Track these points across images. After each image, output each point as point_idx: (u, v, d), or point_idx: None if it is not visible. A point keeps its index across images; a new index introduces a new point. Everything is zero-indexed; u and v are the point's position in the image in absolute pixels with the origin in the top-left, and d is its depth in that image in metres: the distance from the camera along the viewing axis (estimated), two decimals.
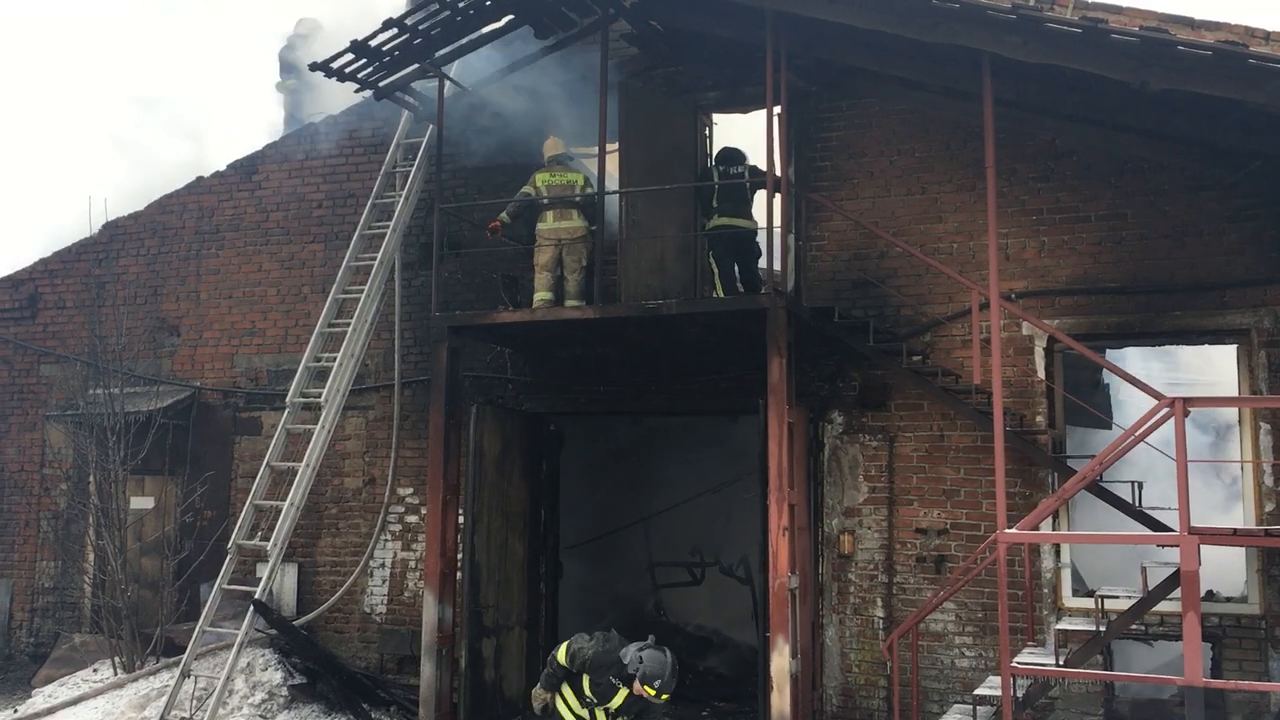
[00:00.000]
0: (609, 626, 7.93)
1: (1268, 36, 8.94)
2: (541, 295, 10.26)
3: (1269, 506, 8.97)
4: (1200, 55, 7.50)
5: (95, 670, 11.43)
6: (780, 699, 8.58)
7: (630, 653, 7.25)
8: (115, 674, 11.11)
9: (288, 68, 14.27)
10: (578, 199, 10.27)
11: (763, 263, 10.15)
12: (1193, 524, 7.14)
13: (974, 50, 8.33)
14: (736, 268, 10.24)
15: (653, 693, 7.04)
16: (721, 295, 10.07)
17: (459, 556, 10.19)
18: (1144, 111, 8.82)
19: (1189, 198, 9.43)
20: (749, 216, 10.21)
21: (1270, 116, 7.82)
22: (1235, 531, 7.89)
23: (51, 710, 10.59)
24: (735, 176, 10.17)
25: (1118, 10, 9.05)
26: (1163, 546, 8.09)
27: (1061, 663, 8.01)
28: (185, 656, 10.17)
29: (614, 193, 10.48)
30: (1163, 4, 9.54)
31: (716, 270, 10.24)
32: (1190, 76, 7.63)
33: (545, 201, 10.30)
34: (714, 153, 10.92)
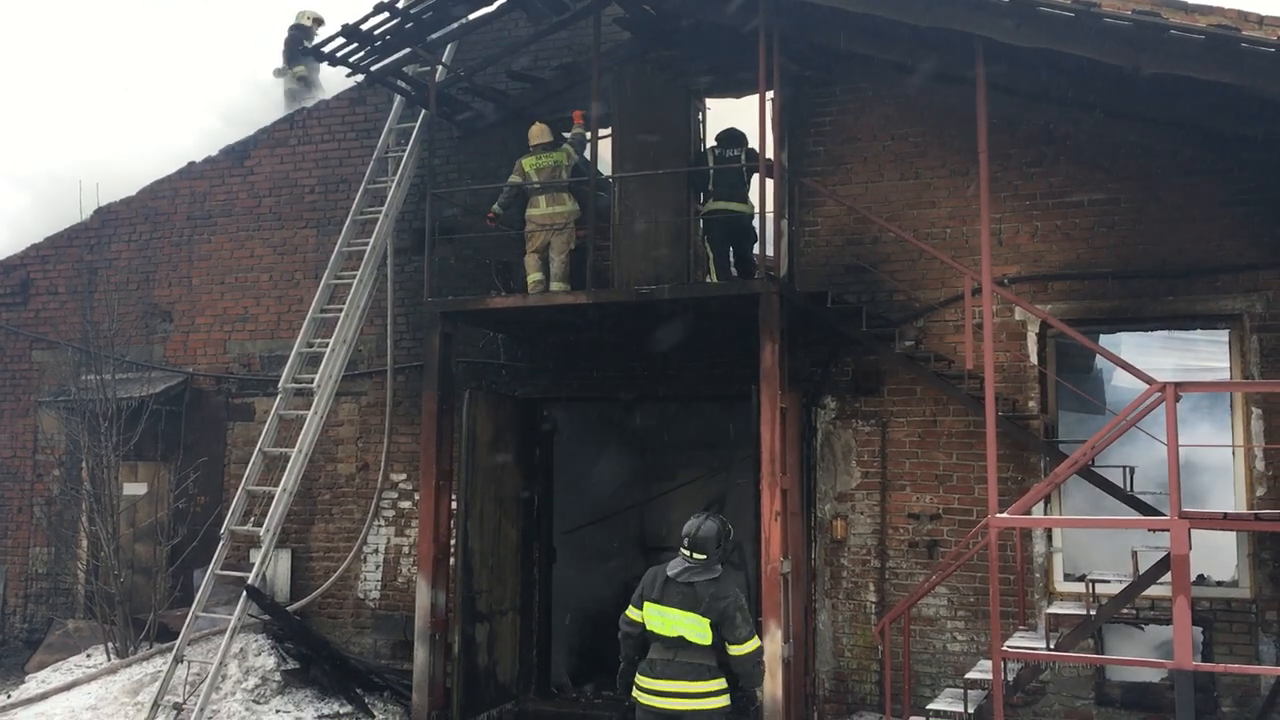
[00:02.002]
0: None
1: (1261, 20, 8.89)
2: (534, 277, 10.28)
3: (1260, 491, 8.99)
4: (1193, 39, 7.48)
5: (89, 656, 11.45)
6: (773, 683, 8.59)
7: (702, 547, 6.66)
8: (109, 660, 11.13)
9: (290, 55, 14.24)
10: (567, 182, 10.26)
11: (756, 248, 10.15)
12: (1184, 508, 7.17)
13: (967, 34, 8.30)
14: (731, 251, 10.22)
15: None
16: (715, 280, 10.07)
17: (452, 542, 10.20)
18: (1137, 96, 8.80)
19: (1182, 182, 9.43)
20: (745, 200, 10.15)
21: (1263, 101, 7.81)
22: (1225, 515, 7.92)
23: (44, 696, 10.61)
24: (731, 160, 10.13)
25: None
26: (1154, 531, 8.10)
27: (1052, 647, 8.06)
28: (178, 642, 10.17)
29: (607, 178, 10.47)
30: None
31: (711, 255, 10.23)
32: (1183, 61, 7.61)
33: (536, 186, 10.29)
34: (708, 134, 10.89)
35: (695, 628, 6.47)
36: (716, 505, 14.02)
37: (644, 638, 6.65)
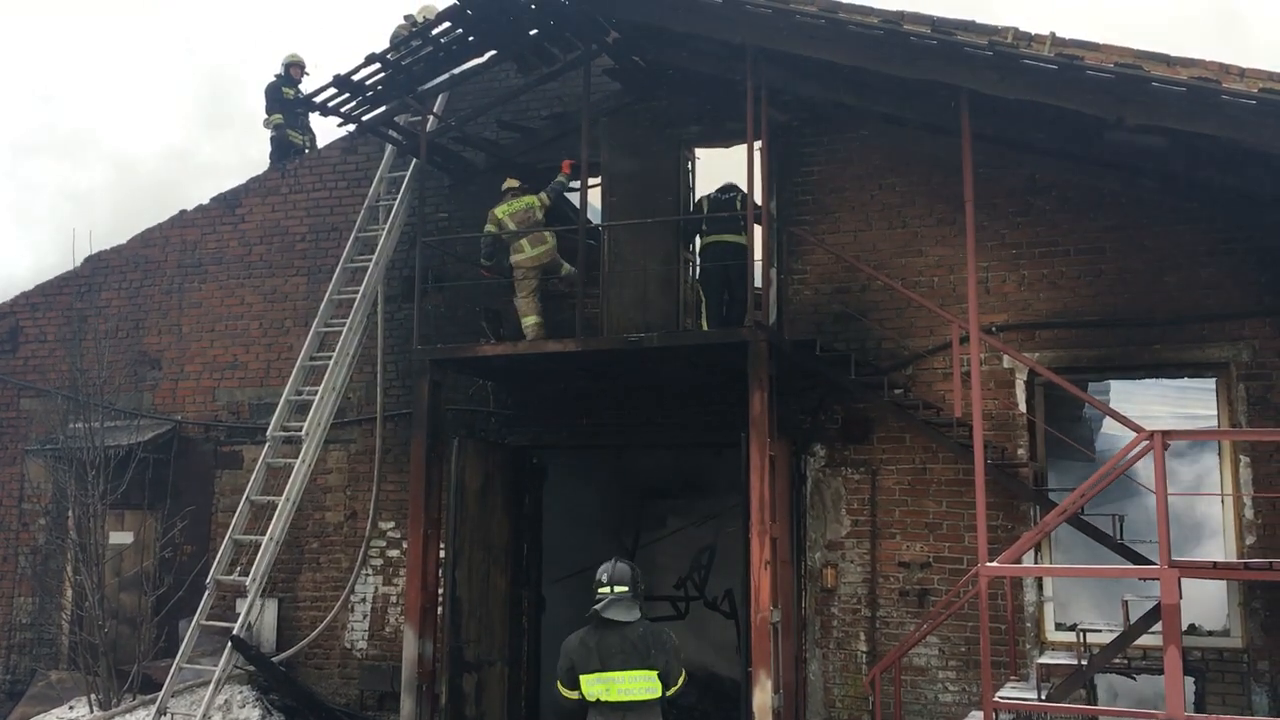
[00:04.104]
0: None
1: (1243, 73, 9.02)
2: (530, 320, 10.42)
3: (1250, 539, 8.97)
4: (1174, 91, 7.58)
5: (71, 708, 11.28)
6: None
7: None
8: (91, 711, 10.97)
9: (274, 103, 14.30)
10: (545, 225, 10.40)
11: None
12: (1174, 557, 7.15)
13: (952, 86, 8.43)
14: (726, 291, 10.27)
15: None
16: (707, 327, 10.11)
17: (440, 591, 10.12)
18: (1121, 146, 8.89)
19: (1167, 231, 9.50)
20: (740, 233, 10.23)
21: (1245, 151, 7.90)
22: (1215, 564, 7.90)
23: None
24: (727, 203, 10.26)
25: (1095, 47, 9.12)
26: (1144, 580, 8.08)
27: (1044, 697, 7.98)
28: (162, 694, 10.06)
29: (596, 226, 10.54)
30: (1142, 42, 9.64)
31: (704, 301, 10.31)
32: (1165, 112, 7.72)
33: (514, 232, 10.42)
34: (697, 183, 11.06)
35: (646, 684, 6.23)
36: (707, 554, 13.99)
37: (582, 715, 6.31)
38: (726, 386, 9.94)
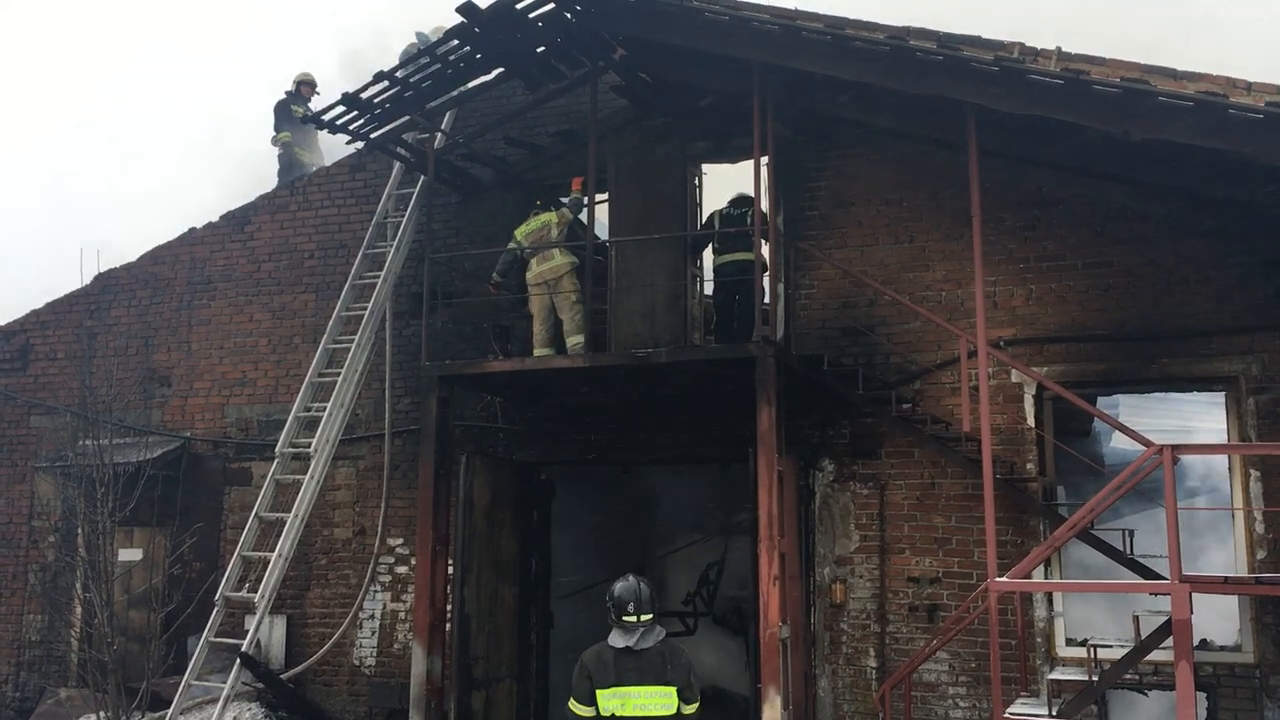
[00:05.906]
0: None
1: (1249, 87, 9.02)
2: (541, 351, 10.33)
3: (1261, 554, 8.93)
4: (1181, 105, 7.59)
5: None
6: None
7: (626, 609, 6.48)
8: None
9: (283, 121, 14.36)
10: (555, 242, 10.40)
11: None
12: (1184, 571, 7.13)
13: (958, 101, 8.44)
14: (736, 305, 10.29)
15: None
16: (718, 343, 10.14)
17: (449, 608, 10.12)
18: (1128, 160, 8.91)
19: (1174, 245, 9.48)
20: (751, 251, 10.24)
21: (1252, 165, 7.90)
22: (1226, 579, 7.86)
23: None
24: (738, 218, 10.28)
25: (1101, 62, 9.13)
26: (1155, 595, 8.04)
27: (1055, 713, 7.96)
28: (170, 711, 10.06)
29: (603, 242, 10.57)
30: (1149, 56, 9.64)
31: (715, 316, 10.31)
32: (1171, 126, 7.72)
33: (526, 251, 10.45)
34: (705, 199, 11.11)
35: (662, 699, 6.20)
36: (715, 569, 13.97)
37: None
38: (734, 402, 9.93)
